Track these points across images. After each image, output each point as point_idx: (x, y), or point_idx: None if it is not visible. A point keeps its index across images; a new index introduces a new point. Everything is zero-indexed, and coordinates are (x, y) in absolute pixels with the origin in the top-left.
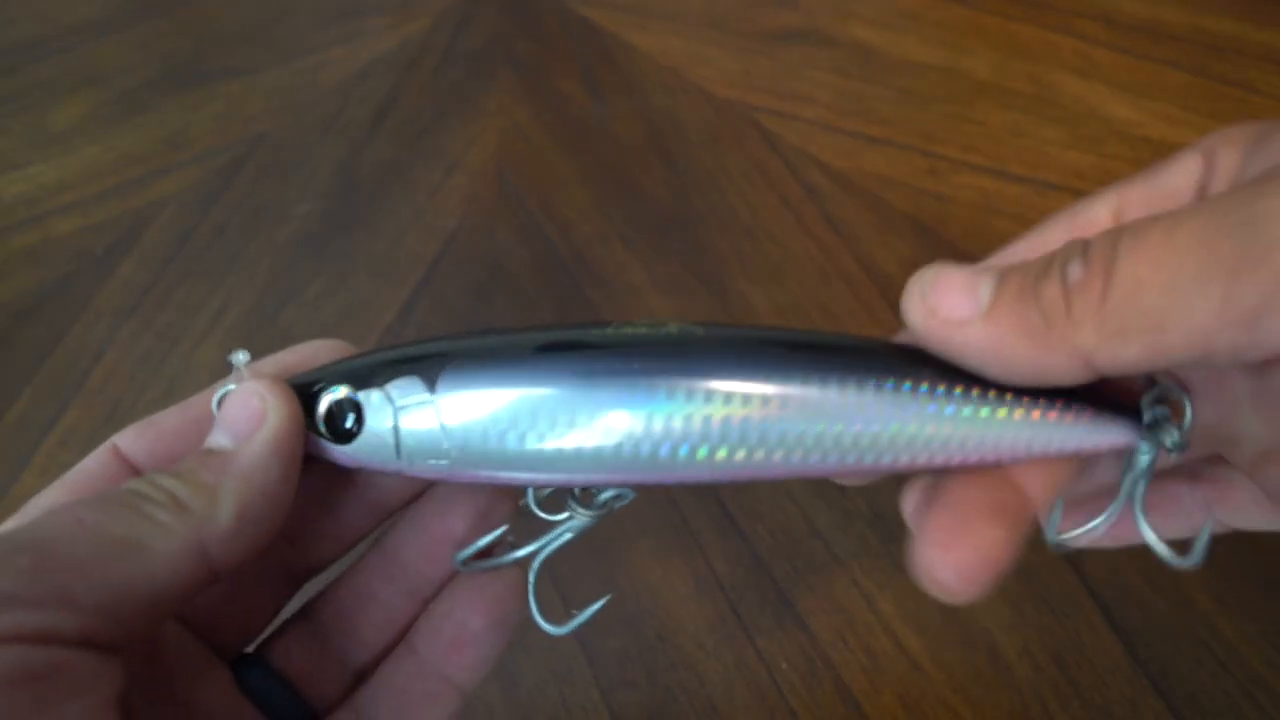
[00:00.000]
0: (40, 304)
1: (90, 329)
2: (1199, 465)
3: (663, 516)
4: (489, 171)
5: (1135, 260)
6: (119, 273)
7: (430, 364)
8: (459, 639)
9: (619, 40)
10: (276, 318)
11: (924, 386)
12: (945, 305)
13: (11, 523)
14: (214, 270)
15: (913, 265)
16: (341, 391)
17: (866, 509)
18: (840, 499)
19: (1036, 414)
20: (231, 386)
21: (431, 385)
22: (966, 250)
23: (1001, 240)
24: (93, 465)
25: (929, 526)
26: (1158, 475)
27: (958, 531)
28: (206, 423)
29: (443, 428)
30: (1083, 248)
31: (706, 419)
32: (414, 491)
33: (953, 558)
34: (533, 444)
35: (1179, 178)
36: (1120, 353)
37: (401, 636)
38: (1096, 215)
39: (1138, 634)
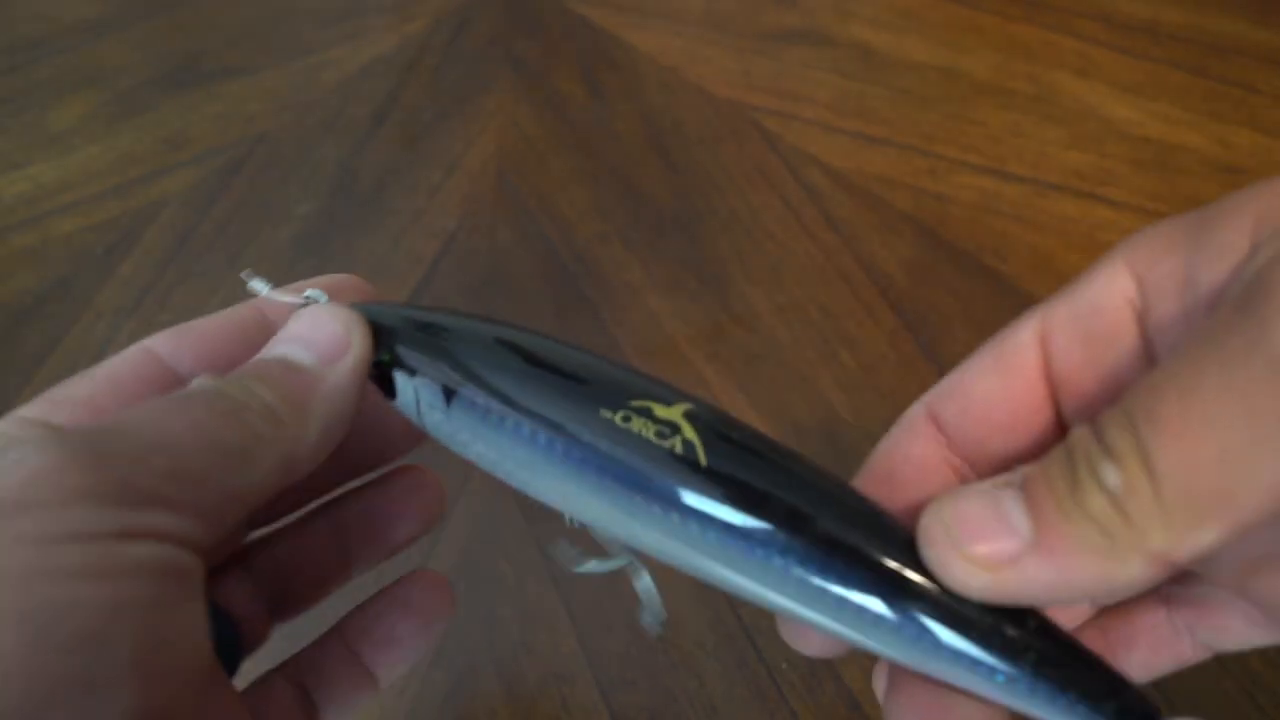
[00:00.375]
0: (40, 304)
1: (90, 329)
2: (1170, 588)
3: None
4: (489, 171)
5: (1171, 444)
6: (119, 273)
7: (454, 375)
8: (386, 641)
9: (619, 40)
10: None
11: (927, 628)
12: (985, 548)
13: (35, 409)
14: (214, 270)
15: (913, 265)
16: (384, 357)
17: None
18: None
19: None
20: (288, 300)
21: (447, 401)
22: (966, 250)
23: (1002, 240)
24: (128, 365)
25: (903, 707)
26: (1126, 606)
27: (937, 712)
28: (251, 335)
29: (453, 437)
30: (1099, 446)
31: (673, 557)
32: (383, 467)
33: None
34: (520, 482)
35: (1106, 297)
36: (1198, 541)
37: (326, 594)
38: (1021, 340)
39: None
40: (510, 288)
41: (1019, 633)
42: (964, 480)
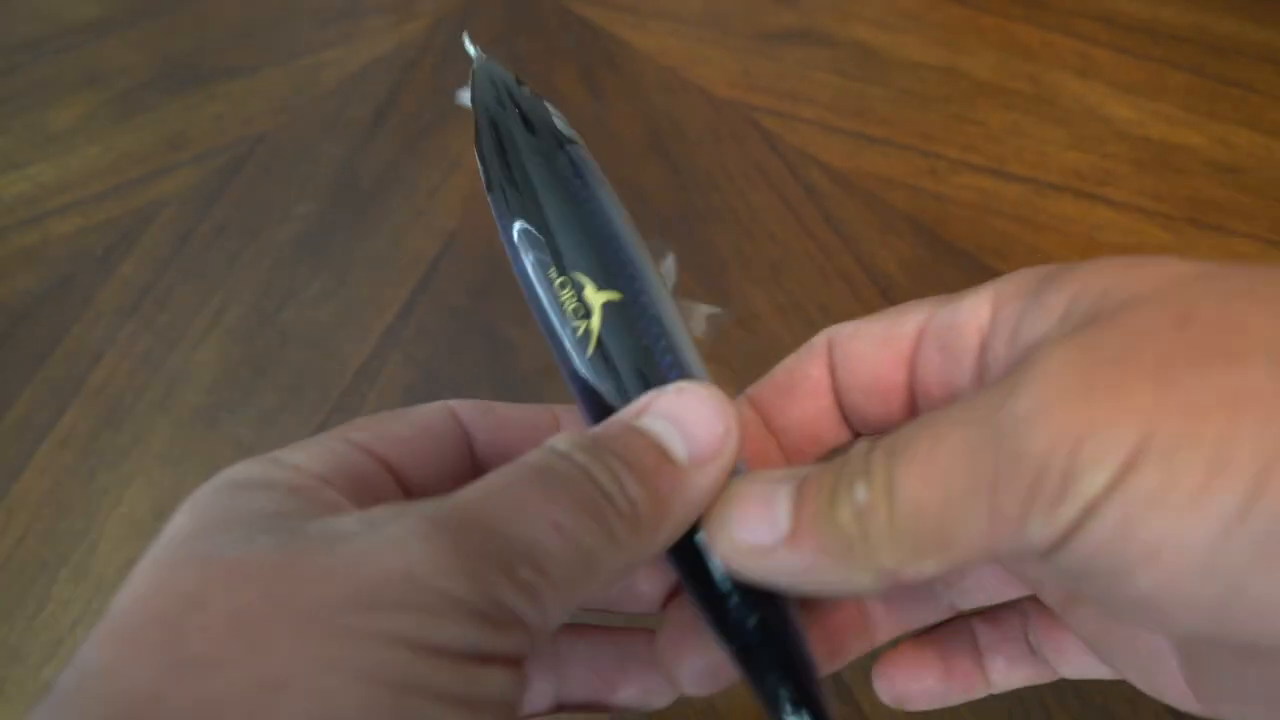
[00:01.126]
0: (40, 304)
1: (90, 329)
2: (1029, 605)
3: None
4: None
5: (910, 480)
6: (119, 273)
7: (494, 173)
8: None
9: (619, 40)
10: (276, 318)
11: None
12: (746, 534)
13: (362, 435)
14: (214, 270)
15: (913, 265)
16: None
17: None
18: None
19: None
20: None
21: (487, 188)
22: (966, 250)
23: (1002, 240)
24: (438, 421)
25: (667, 621)
26: (993, 614)
27: (688, 637)
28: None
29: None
30: (865, 464)
31: None
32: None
33: (683, 662)
34: None
35: (967, 318)
36: (919, 570)
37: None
38: (905, 327)
39: None
40: (510, 288)
41: (753, 614)
42: (838, 410)
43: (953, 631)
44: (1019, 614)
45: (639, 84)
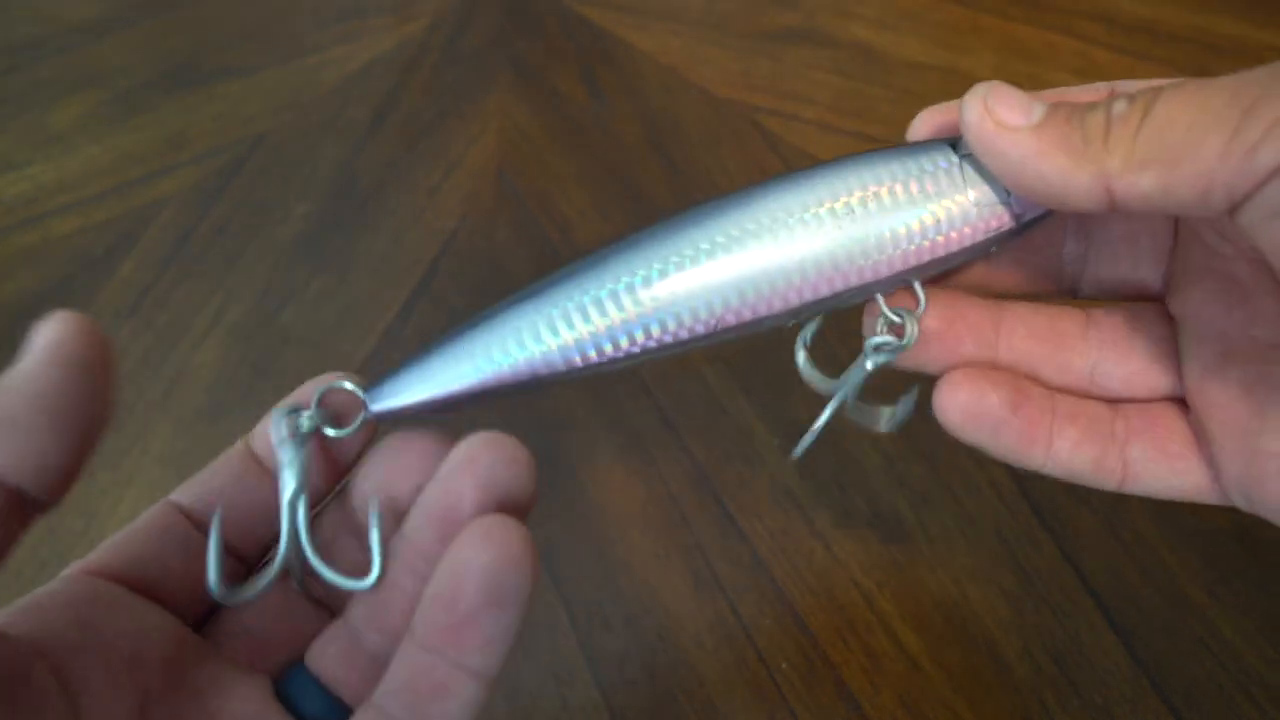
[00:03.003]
0: (40, 304)
1: None
2: (1125, 407)
3: (663, 516)
4: (489, 171)
5: (1172, 102)
6: (119, 273)
7: None
8: (456, 624)
9: (619, 40)
10: (276, 318)
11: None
12: (1002, 111)
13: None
14: (214, 270)
15: None
16: None
17: (866, 509)
18: (841, 498)
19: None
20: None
21: None
22: None
23: None
24: (155, 518)
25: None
26: (1081, 398)
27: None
28: (243, 476)
29: None
30: (1129, 94)
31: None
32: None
33: None
34: None
35: None
36: (1138, 182)
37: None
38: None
39: (1137, 633)
40: (510, 288)
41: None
42: None
43: (1035, 392)
44: (1107, 404)
45: (639, 84)
